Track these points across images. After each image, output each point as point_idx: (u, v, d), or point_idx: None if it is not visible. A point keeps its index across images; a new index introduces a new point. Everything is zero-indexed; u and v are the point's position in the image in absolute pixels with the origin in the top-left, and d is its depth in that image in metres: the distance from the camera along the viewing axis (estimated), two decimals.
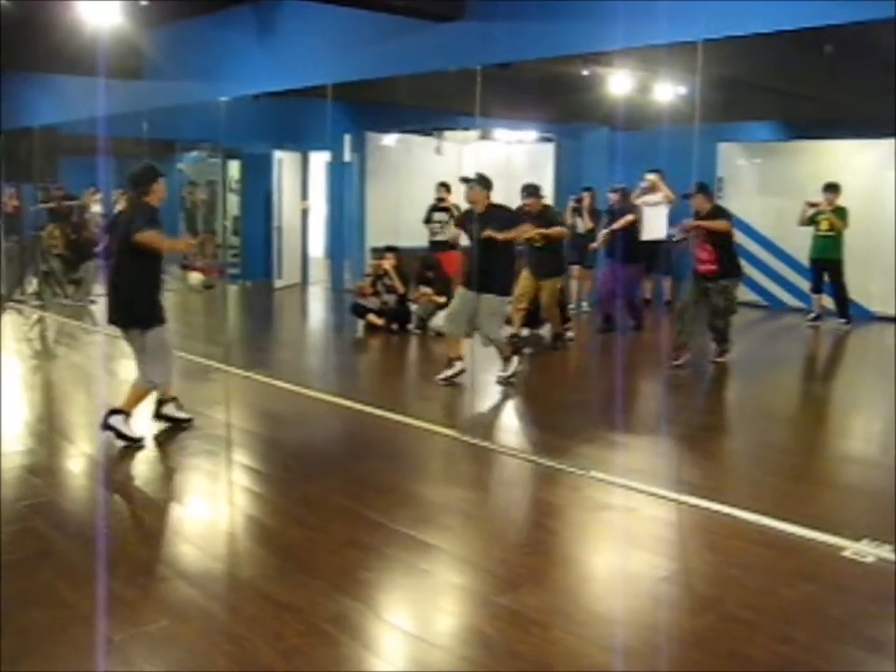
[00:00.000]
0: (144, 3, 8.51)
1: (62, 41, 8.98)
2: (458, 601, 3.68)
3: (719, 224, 8.06)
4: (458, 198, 10.69)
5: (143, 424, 5.75)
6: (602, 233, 10.47)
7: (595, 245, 10.83)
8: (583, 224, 11.22)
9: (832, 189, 10.49)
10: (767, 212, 12.25)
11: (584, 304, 11.78)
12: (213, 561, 3.98)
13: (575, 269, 11.38)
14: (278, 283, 14.11)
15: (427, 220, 11.35)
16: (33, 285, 12.32)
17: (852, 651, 3.30)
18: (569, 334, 9.54)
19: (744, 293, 10.25)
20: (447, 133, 13.85)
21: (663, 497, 4.73)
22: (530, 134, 14.72)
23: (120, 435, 5.51)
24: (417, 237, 11.62)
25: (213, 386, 7.35)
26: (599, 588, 3.90)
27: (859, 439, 6.48)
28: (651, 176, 11.09)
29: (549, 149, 14.27)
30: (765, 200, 12.22)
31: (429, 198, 11.50)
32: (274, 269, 14.18)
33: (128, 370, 6.23)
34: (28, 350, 9.33)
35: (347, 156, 13.56)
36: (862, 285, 11.02)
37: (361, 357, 9.85)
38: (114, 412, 5.53)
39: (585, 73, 9.98)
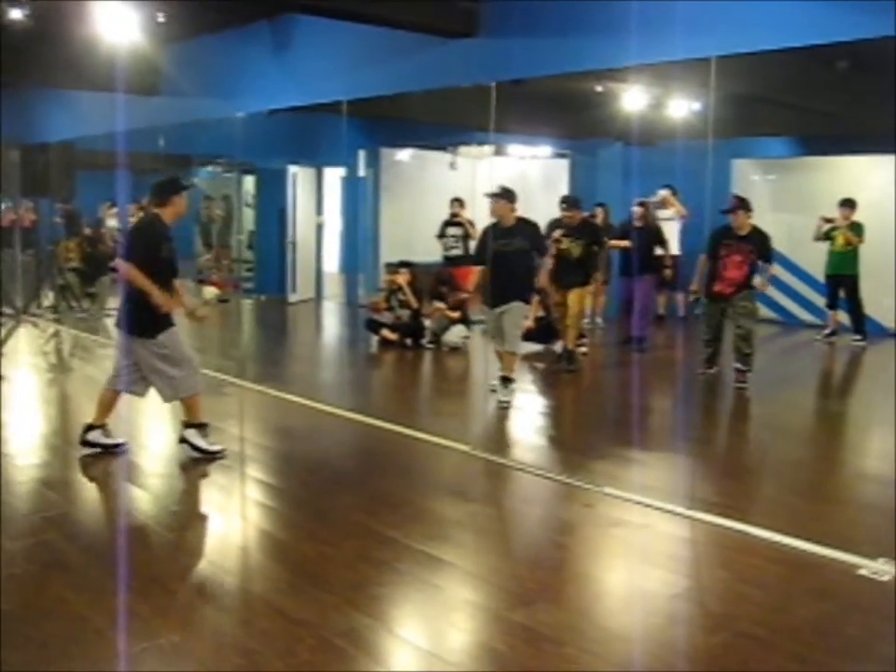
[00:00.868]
0: (161, 20, 8.60)
1: (79, 57, 9.10)
2: (471, 617, 3.67)
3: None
4: (473, 213, 10.77)
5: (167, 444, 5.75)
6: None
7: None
8: None
9: (847, 204, 10.47)
10: (782, 228, 12.17)
11: (599, 320, 11.76)
12: (226, 575, 3.98)
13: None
14: (292, 297, 14.16)
15: (441, 235, 11.37)
16: (49, 298, 12.42)
17: (867, 670, 3.27)
18: (583, 349, 9.51)
19: (758, 309, 10.19)
20: (461, 149, 13.88)
21: (677, 514, 4.71)
22: (545, 150, 14.79)
23: (94, 445, 5.66)
24: (431, 252, 11.65)
25: (227, 401, 7.37)
26: (612, 605, 3.88)
27: (875, 456, 6.43)
28: (662, 192, 11.10)
29: (563, 165, 14.33)
30: (780, 216, 12.17)
31: (443, 213, 11.53)
32: (289, 283, 14.23)
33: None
34: (44, 363, 9.38)
35: (362, 171, 13.64)
36: (878, 301, 10.98)
37: (375, 371, 9.86)
38: (91, 426, 5.66)
39: (599, 89, 10.02)
